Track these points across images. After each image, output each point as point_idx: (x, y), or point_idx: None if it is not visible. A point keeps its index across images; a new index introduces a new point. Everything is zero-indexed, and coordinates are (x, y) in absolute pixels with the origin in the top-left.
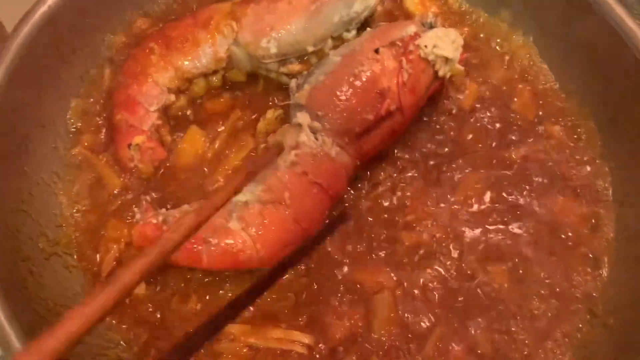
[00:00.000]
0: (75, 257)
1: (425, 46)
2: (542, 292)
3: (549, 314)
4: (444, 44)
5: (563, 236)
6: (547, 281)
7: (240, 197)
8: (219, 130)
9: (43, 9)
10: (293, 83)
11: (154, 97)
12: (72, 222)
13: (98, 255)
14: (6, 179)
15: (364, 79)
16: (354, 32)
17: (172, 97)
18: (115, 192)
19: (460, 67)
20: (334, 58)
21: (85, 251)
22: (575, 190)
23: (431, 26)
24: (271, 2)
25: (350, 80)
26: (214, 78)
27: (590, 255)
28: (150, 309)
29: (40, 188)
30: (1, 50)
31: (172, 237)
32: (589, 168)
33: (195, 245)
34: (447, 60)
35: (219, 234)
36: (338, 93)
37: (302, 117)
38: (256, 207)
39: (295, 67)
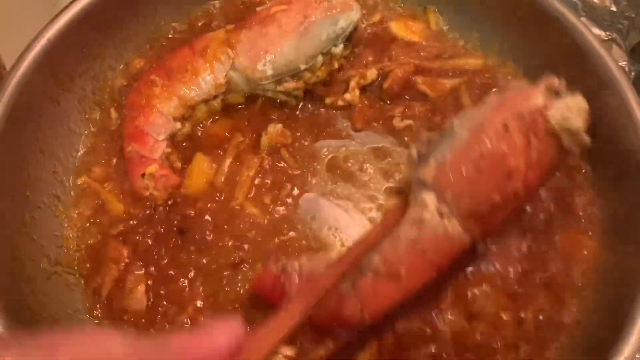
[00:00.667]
0: (76, 275)
1: (555, 119)
2: None
3: None
4: (572, 114)
5: None
6: None
7: None
8: (222, 154)
9: (42, 42)
10: (414, 151)
11: (161, 127)
12: (73, 243)
13: (99, 277)
14: (8, 203)
15: (493, 159)
16: (341, 46)
17: (178, 125)
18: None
19: (587, 139)
20: (462, 132)
21: (86, 271)
22: None
23: (557, 93)
24: (262, 27)
25: (480, 160)
26: (215, 102)
27: None
28: None
29: (41, 211)
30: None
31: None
32: None
33: None
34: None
35: (330, 293)
36: (467, 175)
37: (429, 199)
38: (370, 276)
39: (290, 85)
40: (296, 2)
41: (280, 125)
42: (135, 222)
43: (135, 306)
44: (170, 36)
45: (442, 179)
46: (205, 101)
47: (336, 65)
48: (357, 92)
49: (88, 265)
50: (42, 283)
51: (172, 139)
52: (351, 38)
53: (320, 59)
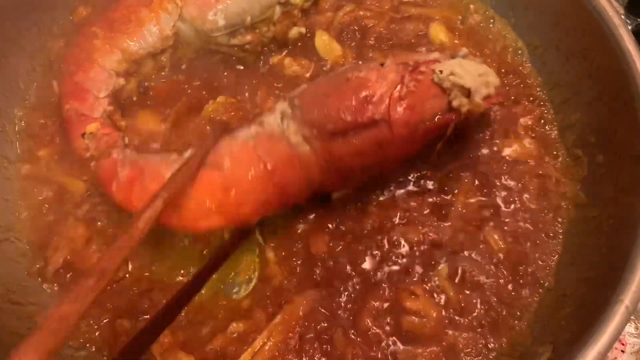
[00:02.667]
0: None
1: (441, 71)
2: None
3: None
4: (465, 74)
5: None
6: None
7: None
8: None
9: None
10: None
11: (103, 83)
12: (24, 212)
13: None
14: None
15: (354, 82)
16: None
17: (122, 81)
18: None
19: (479, 102)
20: (346, 68)
21: (36, 243)
22: None
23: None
24: None
25: (341, 80)
26: (162, 57)
27: None
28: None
29: None
30: None
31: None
32: None
33: None
34: (468, 93)
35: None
36: (323, 89)
37: (280, 105)
38: (203, 170)
39: (246, 37)
40: None
41: (233, 100)
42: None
43: None
44: None
45: (304, 95)
46: (152, 55)
47: (299, 16)
48: None
49: (40, 238)
50: None
51: (115, 96)
52: None
53: (277, 9)
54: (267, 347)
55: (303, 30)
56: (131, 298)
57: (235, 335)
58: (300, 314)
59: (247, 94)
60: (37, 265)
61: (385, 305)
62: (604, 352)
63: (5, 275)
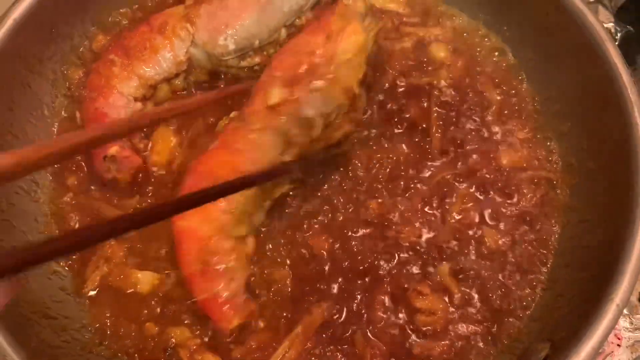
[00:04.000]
0: (59, 262)
1: None
2: None
3: None
4: None
5: None
6: None
7: None
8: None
9: (8, 24)
10: None
11: (121, 108)
12: (55, 229)
13: (87, 270)
14: None
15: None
16: (303, 19)
17: (139, 105)
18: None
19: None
20: None
21: (72, 259)
22: None
23: None
24: (222, 0)
25: None
26: (177, 81)
27: None
28: None
29: (19, 197)
30: None
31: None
32: None
33: None
34: None
35: None
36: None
37: None
38: None
39: (254, 59)
40: None
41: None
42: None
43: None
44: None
45: None
46: (167, 80)
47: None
48: None
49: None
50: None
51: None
52: (315, 9)
53: (283, 32)
54: (289, 355)
55: None
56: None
57: (254, 346)
58: (319, 323)
59: None
60: (75, 283)
61: (396, 306)
62: (597, 347)
63: (39, 292)
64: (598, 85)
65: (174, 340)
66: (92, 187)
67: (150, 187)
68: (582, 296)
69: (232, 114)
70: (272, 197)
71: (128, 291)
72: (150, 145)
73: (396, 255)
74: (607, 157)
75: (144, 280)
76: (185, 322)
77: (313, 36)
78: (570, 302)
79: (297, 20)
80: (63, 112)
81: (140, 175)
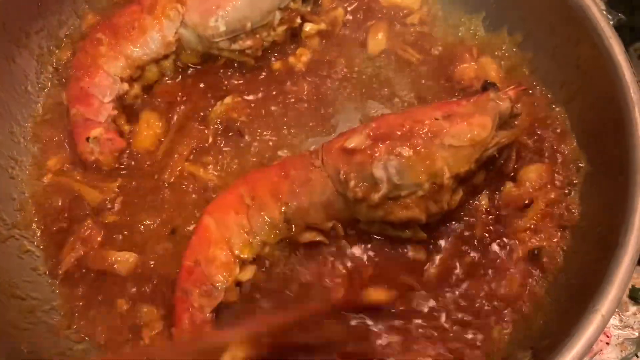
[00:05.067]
0: (34, 242)
1: None
2: None
3: None
4: None
5: None
6: None
7: None
8: (171, 116)
9: None
10: None
11: (107, 88)
12: (32, 208)
13: (63, 252)
14: None
15: None
16: (299, 2)
17: (126, 86)
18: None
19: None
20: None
21: (48, 239)
22: None
23: None
24: None
25: None
26: (166, 63)
27: None
28: None
29: None
30: None
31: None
32: None
33: None
34: None
35: None
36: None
37: None
38: None
39: (246, 42)
40: None
41: (239, 99)
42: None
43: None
44: None
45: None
46: (155, 61)
47: (298, 22)
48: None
49: (51, 236)
50: None
51: (120, 100)
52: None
53: (277, 14)
54: None
55: (323, 26)
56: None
57: None
58: None
59: (254, 95)
60: (49, 264)
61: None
62: (580, 356)
63: (9, 271)
64: (600, 84)
65: (142, 319)
66: (73, 168)
67: (133, 172)
68: (567, 305)
69: (227, 100)
70: (298, 239)
71: (104, 273)
72: (136, 129)
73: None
74: (603, 163)
75: (123, 260)
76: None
77: (434, 109)
78: (554, 310)
79: (291, 3)
80: (48, 89)
81: (124, 158)
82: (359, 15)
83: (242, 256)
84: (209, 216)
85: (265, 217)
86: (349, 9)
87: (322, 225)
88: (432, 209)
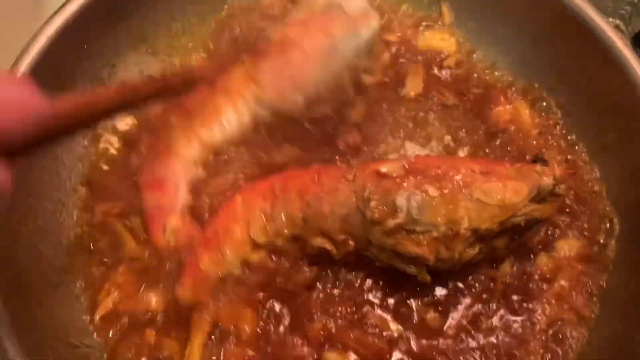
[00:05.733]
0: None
1: None
2: None
3: None
4: None
5: None
6: None
7: None
8: None
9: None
10: None
11: (182, 174)
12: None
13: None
14: (9, 211)
15: None
16: (365, 58)
17: (201, 172)
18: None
19: None
20: None
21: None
22: None
23: None
24: (283, 54)
25: None
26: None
27: None
28: None
29: (45, 218)
30: None
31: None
32: None
33: None
34: None
35: None
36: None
37: None
38: None
39: (323, 109)
40: (312, 22)
41: None
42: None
43: None
44: None
45: None
46: (231, 142)
47: (366, 79)
48: None
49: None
50: (49, 295)
51: (195, 185)
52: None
53: (346, 74)
54: None
55: (379, 76)
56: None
57: None
58: None
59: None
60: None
61: None
62: None
63: (62, 318)
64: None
65: (165, 353)
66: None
67: None
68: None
69: None
70: (309, 241)
71: (138, 313)
72: None
73: None
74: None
75: (154, 299)
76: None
77: (474, 162)
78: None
79: (358, 61)
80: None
81: None
82: (398, 59)
83: (255, 239)
84: (239, 195)
85: (287, 210)
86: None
87: (335, 235)
88: (442, 253)
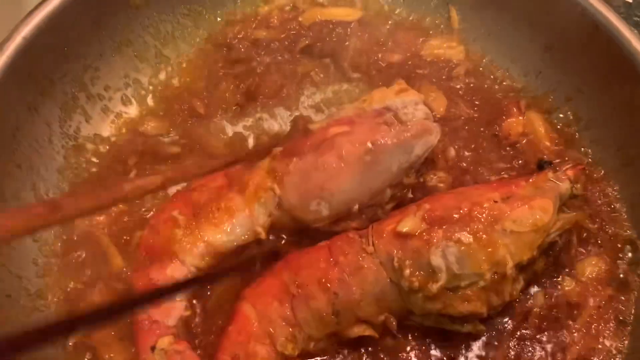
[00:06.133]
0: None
1: None
2: None
3: None
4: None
5: None
6: None
7: None
8: None
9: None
10: None
11: (180, 279)
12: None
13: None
14: None
15: None
16: (412, 176)
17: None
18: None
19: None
20: None
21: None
22: None
23: None
24: (318, 155)
25: None
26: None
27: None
28: None
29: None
30: None
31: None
32: None
33: None
34: None
35: None
36: None
37: None
38: None
39: (350, 224)
40: (359, 123)
41: None
42: None
43: None
44: None
45: None
46: (239, 248)
47: (409, 195)
48: None
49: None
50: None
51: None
52: (425, 165)
53: (388, 192)
54: None
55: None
56: None
57: None
58: None
59: None
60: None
61: None
62: None
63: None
64: None
65: None
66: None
67: None
68: None
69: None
70: (346, 333)
71: None
72: None
73: None
74: None
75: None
76: None
77: (490, 190)
78: None
79: (405, 178)
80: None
81: None
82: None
83: (285, 353)
84: (248, 304)
85: (312, 309)
86: None
87: (373, 318)
88: (493, 301)
